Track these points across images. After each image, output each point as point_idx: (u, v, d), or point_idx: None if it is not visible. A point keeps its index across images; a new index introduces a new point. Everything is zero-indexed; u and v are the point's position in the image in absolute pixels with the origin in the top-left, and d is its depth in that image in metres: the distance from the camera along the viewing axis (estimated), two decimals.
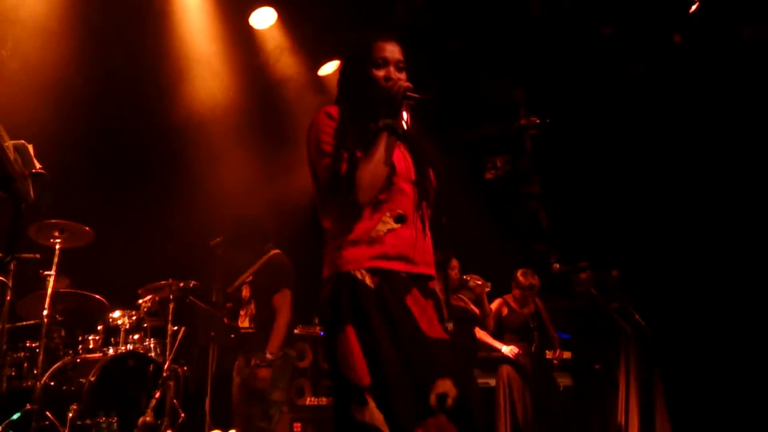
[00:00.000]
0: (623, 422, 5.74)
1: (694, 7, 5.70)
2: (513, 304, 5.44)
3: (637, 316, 5.23)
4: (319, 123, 2.19)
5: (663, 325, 5.52)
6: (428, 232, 2.22)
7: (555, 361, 5.56)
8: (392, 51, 2.29)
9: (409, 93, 2.16)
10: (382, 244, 2.08)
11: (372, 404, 1.86)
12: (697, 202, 6.20)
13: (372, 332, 1.94)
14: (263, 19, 5.79)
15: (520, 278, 5.47)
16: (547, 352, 5.45)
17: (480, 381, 5.59)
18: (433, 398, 1.88)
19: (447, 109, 7.28)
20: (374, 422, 1.85)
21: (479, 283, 5.07)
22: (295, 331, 6.39)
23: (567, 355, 6.13)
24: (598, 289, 5.50)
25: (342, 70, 2.43)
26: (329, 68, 6.50)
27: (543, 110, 7.13)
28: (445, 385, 1.89)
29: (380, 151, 2.09)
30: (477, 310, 5.11)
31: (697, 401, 5.66)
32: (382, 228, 2.10)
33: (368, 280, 2.02)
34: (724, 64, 5.77)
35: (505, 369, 5.24)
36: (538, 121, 7.07)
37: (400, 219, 2.13)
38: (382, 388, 1.88)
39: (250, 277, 4.45)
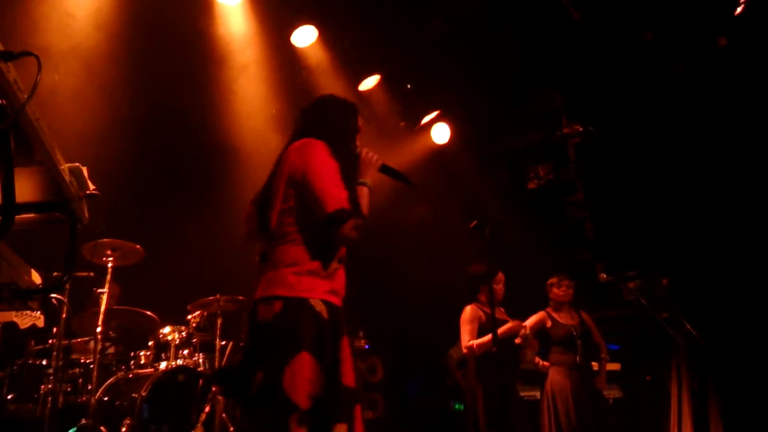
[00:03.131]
0: None
1: (739, 9, 5.57)
2: (554, 315, 5.32)
3: (689, 325, 5.08)
4: (326, 154, 2.37)
5: (715, 333, 5.36)
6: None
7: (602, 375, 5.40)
8: (362, 125, 2.66)
9: (383, 165, 2.58)
10: (333, 280, 2.32)
11: (305, 426, 2.07)
12: (748, 207, 6.04)
13: (322, 363, 2.17)
14: (304, 37, 5.88)
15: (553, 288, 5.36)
16: (593, 363, 5.31)
17: (524, 394, 5.50)
18: None
19: (489, 121, 7.31)
20: None
21: (509, 326, 4.63)
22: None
23: (615, 366, 5.98)
24: (647, 298, 5.35)
25: (333, 124, 2.59)
26: (369, 83, 6.56)
27: (585, 118, 7.06)
28: (342, 429, 2.14)
29: (368, 202, 2.43)
30: (515, 322, 4.91)
31: (754, 413, 5.47)
32: (335, 266, 2.34)
33: (324, 313, 2.23)
34: None
35: (549, 381, 5.13)
36: (580, 129, 7.00)
37: (342, 260, 2.40)
38: (319, 416, 2.11)
39: None
